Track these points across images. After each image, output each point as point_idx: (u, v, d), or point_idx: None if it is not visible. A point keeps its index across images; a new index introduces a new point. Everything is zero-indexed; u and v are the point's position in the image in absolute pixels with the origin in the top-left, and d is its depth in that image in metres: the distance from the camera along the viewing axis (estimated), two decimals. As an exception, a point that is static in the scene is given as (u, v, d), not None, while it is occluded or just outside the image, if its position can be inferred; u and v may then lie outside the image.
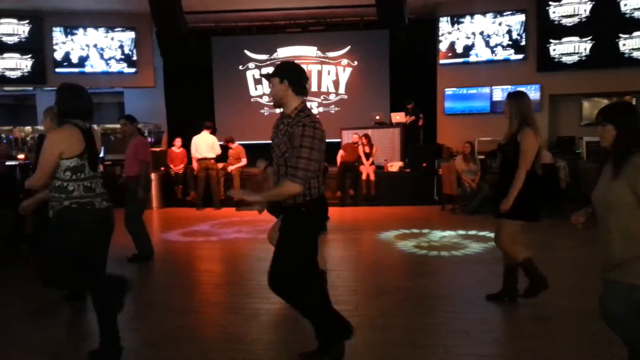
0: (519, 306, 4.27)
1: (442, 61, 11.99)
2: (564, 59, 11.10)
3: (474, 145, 9.43)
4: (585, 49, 10.94)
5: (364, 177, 10.20)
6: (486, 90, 11.76)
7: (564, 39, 11.04)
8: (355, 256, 6.48)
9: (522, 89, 11.21)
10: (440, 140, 11.82)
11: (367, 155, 10.29)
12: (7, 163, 9.91)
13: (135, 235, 5.94)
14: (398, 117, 11.35)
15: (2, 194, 6.39)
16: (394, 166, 10.59)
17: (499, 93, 11.66)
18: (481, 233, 7.30)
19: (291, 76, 2.98)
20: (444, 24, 11.84)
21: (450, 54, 11.88)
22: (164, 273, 5.90)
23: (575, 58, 11.02)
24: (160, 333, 3.88)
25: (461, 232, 7.49)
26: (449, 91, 11.90)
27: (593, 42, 10.87)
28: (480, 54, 11.67)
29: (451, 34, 11.81)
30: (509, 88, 11.52)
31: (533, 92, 11.40)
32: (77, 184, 3.08)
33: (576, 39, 10.96)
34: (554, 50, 11.15)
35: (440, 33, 11.88)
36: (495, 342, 3.65)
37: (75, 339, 3.86)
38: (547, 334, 3.67)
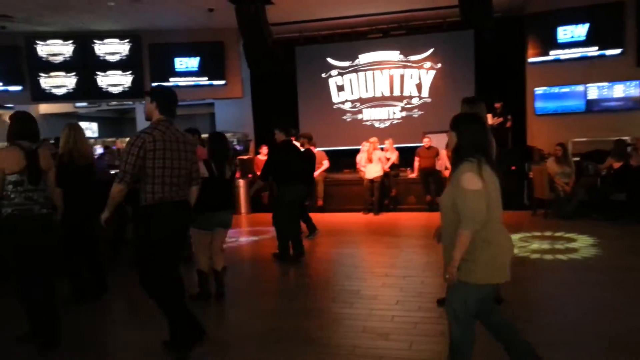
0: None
1: (531, 59, 11.48)
2: (667, 51, 10.25)
3: (567, 147, 8.94)
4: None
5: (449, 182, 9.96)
6: (580, 88, 11.10)
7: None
8: (439, 262, 6.35)
9: (620, 85, 10.68)
10: (530, 142, 11.31)
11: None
12: (112, 172, 10.73)
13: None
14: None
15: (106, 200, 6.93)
16: (481, 170, 10.26)
17: (595, 91, 10.97)
18: (576, 238, 6.92)
19: (159, 99, 3.53)
20: (532, 20, 11.33)
21: (539, 52, 11.35)
22: (253, 276, 6.13)
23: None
24: (248, 333, 4.05)
25: (553, 237, 7.14)
26: (539, 90, 11.36)
27: None
28: (573, 50, 11.04)
29: (540, 31, 11.28)
30: (606, 85, 10.86)
31: (633, 89, 10.64)
32: (18, 194, 3.75)
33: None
34: (655, 43, 10.33)
35: (528, 30, 11.39)
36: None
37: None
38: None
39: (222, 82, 12.91)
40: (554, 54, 11.20)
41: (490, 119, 10.91)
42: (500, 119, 10.95)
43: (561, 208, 8.60)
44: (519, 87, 11.63)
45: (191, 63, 12.94)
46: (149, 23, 12.15)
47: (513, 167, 9.96)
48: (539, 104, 11.42)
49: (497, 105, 11.02)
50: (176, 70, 12.91)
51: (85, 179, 4.71)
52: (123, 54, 12.85)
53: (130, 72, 12.87)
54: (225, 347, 3.86)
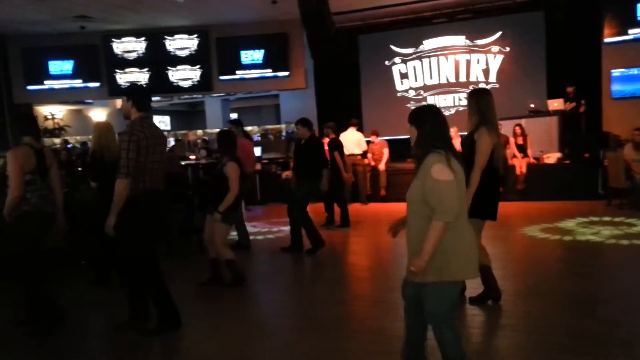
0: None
1: (607, 39, 10.84)
2: None
3: (645, 132, 8.37)
4: None
5: (517, 171, 9.66)
6: (663, 68, 10.38)
7: None
8: (503, 254, 6.20)
9: None
10: (605, 127, 10.71)
11: (521, 147, 9.72)
12: (182, 163, 11.19)
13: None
14: (556, 104, 10.51)
15: (177, 190, 7.28)
16: (551, 157, 9.84)
17: (680, 71, 10.22)
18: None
19: (134, 96, 3.77)
20: (610, -2, 10.70)
21: (617, 31, 10.68)
22: (314, 265, 6.25)
23: None
24: (307, 321, 4.16)
25: (629, 229, 6.76)
26: (616, 72, 10.72)
27: None
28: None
29: (617, 8, 10.59)
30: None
31: None
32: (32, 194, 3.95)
33: None
34: None
35: (605, 8, 10.74)
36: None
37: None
38: None
39: (286, 73, 13.10)
40: (633, 32, 10.51)
41: (562, 104, 10.45)
42: (574, 104, 10.45)
43: (638, 198, 8.10)
44: (594, 69, 11.01)
45: (256, 55, 13.20)
46: (215, 18, 12.51)
47: (586, 155, 9.48)
48: (615, 87, 10.78)
49: (570, 89, 10.52)
50: (242, 62, 13.22)
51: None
52: (192, 49, 13.32)
53: (199, 66, 13.32)
54: (280, 334, 4.00)
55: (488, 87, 12.48)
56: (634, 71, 10.57)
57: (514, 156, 9.78)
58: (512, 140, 9.81)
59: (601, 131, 10.57)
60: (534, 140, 9.98)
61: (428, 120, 2.66)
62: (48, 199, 4.05)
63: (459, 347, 2.66)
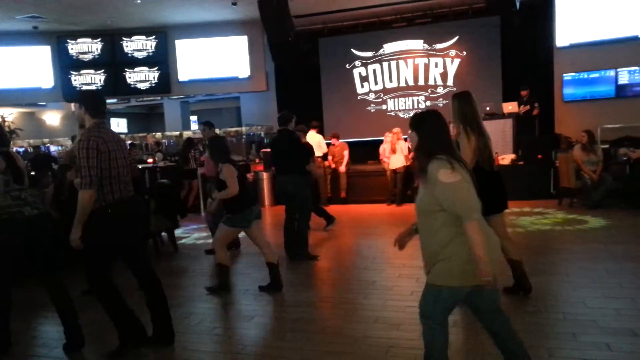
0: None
1: (559, 45, 11.22)
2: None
3: (593, 134, 8.68)
4: None
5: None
6: (611, 73, 10.81)
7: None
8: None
9: (653, 69, 10.32)
10: (558, 129, 11.07)
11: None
12: (139, 166, 10.99)
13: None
14: (510, 107, 10.79)
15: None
16: (506, 159, 10.11)
17: (626, 76, 10.67)
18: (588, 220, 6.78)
19: (87, 104, 3.61)
20: (560, 3, 11.06)
21: (568, 36, 11.08)
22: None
23: None
24: (262, 323, 4.15)
25: (578, 226, 7.02)
26: (567, 76, 11.11)
27: None
28: (603, 33, 10.73)
29: (569, 14, 10.99)
30: (638, 69, 10.54)
31: (668, 72, 10.29)
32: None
33: None
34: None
35: (556, 14, 11.12)
36: (605, 346, 3.41)
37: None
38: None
39: (247, 75, 13.02)
40: (583, 38, 10.92)
41: (516, 107, 10.73)
42: (527, 107, 10.73)
43: (588, 197, 8.40)
44: (547, 73, 11.38)
45: (216, 57, 13.08)
46: (174, 19, 12.34)
47: (539, 156, 9.77)
48: (567, 90, 11.17)
49: (524, 92, 10.82)
50: (201, 64, 13.08)
51: None
52: (150, 50, 13.10)
53: (157, 67, 13.10)
54: (242, 336, 3.98)
55: (445, 90, 12.78)
56: (584, 75, 10.97)
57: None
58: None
59: (553, 133, 10.92)
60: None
61: (427, 125, 2.62)
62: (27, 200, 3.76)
63: (444, 353, 2.64)
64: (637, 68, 10.51)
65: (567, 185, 8.79)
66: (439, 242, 2.53)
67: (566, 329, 3.68)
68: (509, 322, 2.74)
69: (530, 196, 9.41)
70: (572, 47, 11.07)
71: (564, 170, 8.83)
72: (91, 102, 3.64)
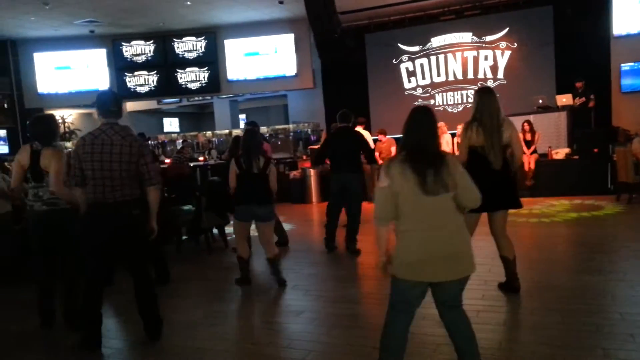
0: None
1: (616, 33, 10.76)
2: None
3: (655, 126, 8.30)
4: None
5: (525, 167, 9.62)
6: (674, 61, 10.28)
7: None
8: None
9: None
10: (615, 122, 10.62)
11: (528, 143, 9.68)
12: (190, 164, 11.27)
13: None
14: (564, 99, 10.45)
15: (186, 191, 7.35)
16: (560, 153, 9.78)
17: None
18: None
19: (96, 104, 3.71)
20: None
21: (626, 24, 10.59)
22: (326, 263, 6.27)
23: None
24: (307, 317, 4.20)
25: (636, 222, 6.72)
26: (625, 66, 10.63)
27: None
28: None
29: (626, 2, 10.51)
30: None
31: None
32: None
33: None
34: None
35: (613, 2, 10.65)
36: (665, 348, 3.26)
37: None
38: None
39: (294, 73, 13.14)
40: (642, 26, 10.44)
41: (571, 100, 10.38)
42: (583, 99, 10.38)
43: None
44: (603, 63, 10.92)
45: (264, 56, 13.26)
46: (223, 19, 12.60)
47: (595, 150, 9.40)
48: (625, 81, 10.70)
49: (578, 84, 10.46)
50: (250, 63, 13.29)
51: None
52: (200, 51, 13.42)
53: (206, 67, 13.41)
54: (290, 331, 4.04)
55: (496, 83, 12.47)
56: (644, 65, 10.49)
57: (523, 152, 9.72)
58: (520, 136, 9.75)
59: (610, 126, 10.48)
60: (543, 136, 9.91)
61: (407, 122, 2.73)
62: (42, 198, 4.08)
63: (386, 339, 2.84)
64: (702, 56, 9.95)
65: (625, 179, 8.43)
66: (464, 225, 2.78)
67: (624, 329, 3.55)
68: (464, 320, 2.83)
69: (586, 191, 9.09)
70: (630, 36, 10.58)
71: (622, 164, 8.46)
72: (99, 104, 3.72)
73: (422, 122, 2.69)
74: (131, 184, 3.63)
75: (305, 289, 5.04)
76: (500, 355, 3.29)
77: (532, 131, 9.77)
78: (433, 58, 13.07)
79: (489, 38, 12.52)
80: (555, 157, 9.83)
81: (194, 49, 13.47)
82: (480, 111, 4.11)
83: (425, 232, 2.63)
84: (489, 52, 12.57)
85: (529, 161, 9.61)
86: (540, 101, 10.74)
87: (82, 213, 3.70)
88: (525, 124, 9.80)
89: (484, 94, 4.19)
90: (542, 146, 9.92)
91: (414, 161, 2.60)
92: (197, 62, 13.43)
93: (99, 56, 13.47)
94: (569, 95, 10.42)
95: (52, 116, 4.51)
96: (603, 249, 5.88)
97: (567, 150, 9.84)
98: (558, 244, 6.37)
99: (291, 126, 15.00)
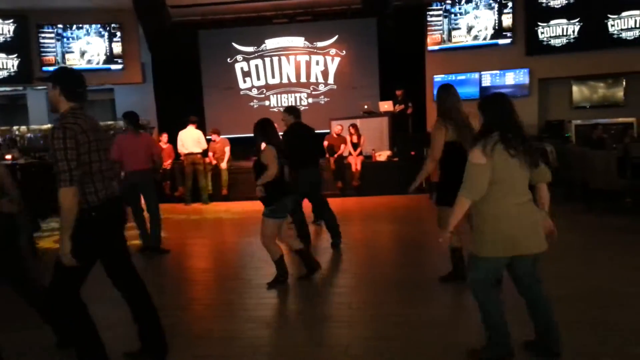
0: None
1: (430, 47, 11.88)
2: (553, 41, 10.99)
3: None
4: (573, 31, 10.83)
5: (352, 168, 10.16)
6: (475, 76, 11.67)
7: (552, 22, 10.93)
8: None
9: (510, 73, 11.33)
10: (429, 128, 11.72)
11: (355, 146, 10.24)
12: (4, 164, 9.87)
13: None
14: (386, 105, 11.27)
15: None
16: (382, 155, 10.53)
17: (489, 78, 11.58)
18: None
19: (63, 83, 2.94)
20: (432, 9, 11.72)
21: (438, 40, 11.78)
22: (156, 270, 5.89)
23: (564, 40, 10.91)
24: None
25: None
26: (437, 78, 11.79)
27: (581, 23, 10.74)
28: (468, 39, 11.56)
29: (439, 20, 11.69)
30: (498, 73, 11.48)
31: (522, 76, 11.33)
32: None
33: (564, 21, 10.84)
34: (542, 33, 11.04)
35: (428, 19, 11.76)
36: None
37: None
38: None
39: (120, 66, 12.27)
40: (452, 42, 11.68)
41: (392, 106, 11.21)
42: (402, 106, 11.25)
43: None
44: (419, 74, 12.00)
45: (84, 45, 12.19)
46: (35, 2, 11.26)
47: (412, 153, 10.28)
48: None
49: (399, 92, 11.33)
50: (67, 52, 12.12)
51: None
52: (7, 36, 11.86)
53: (16, 55, 11.89)
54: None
55: (326, 88, 13.03)
56: (452, 77, 11.72)
57: (350, 154, 10.27)
58: (348, 139, 10.28)
59: (426, 131, 11.54)
60: (367, 139, 10.55)
61: (490, 108, 2.94)
62: None
63: (492, 316, 2.96)
64: (497, 71, 11.44)
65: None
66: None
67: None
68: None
69: (405, 191, 9.83)
70: (441, 50, 11.78)
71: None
72: (69, 83, 2.96)
73: (508, 104, 2.91)
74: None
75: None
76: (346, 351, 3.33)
77: (358, 134, 10.34)
78: (267, 60, 13.20)
79: (320, 44, 13.01)
80: (379, 159, 10.54)
81: (1, 32, 11.85)
82: (449, 108, 4.25)
83: (519, 206, 2.85)
84: (320, 58, 13.06)
85: (355, 162, 10.16)
86: (366, 107, 11.44)
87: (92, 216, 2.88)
88: (351, 127, 10.35)
89: (449, 90, 4.35)
90: (367, 149, 10.56)
91: (509, 139, 2.80)
92: (4, 48, 11.83)
93: None
94: (390, 102, 11.26)
95: None
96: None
97: (388, 152, 10.61)
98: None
99: (120, 122, 14.01)
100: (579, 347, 3.15)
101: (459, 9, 11.54)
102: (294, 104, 13.13)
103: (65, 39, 12.12)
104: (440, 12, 11.68)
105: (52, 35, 12.04)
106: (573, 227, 6.48)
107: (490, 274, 2.95)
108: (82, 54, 12.19)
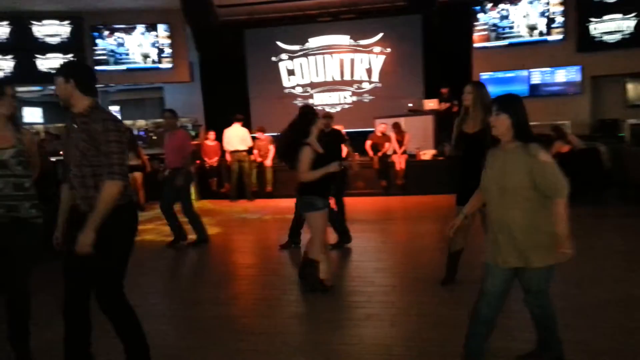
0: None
1: (477, 44, 11.66)
2: (605, 37, 10.59)
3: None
4: (628, 27, 10.40)
5: (397, 167, 10.11)
6: (524, 73, 11.39)
7: (605, 17, 10.54)
8: (377, 247, 6.43)
9: (561, 70, 10.99)
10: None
11: (400, 143, 10.19)
12: (52, 159, 10.32)
13: (192, 222, 6.50)
14: (431, 104, 11.14)
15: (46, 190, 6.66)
16: (427, 154, 10.41)
17: (538, 76, 11.28)
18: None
19: (78, 76, 2.79)
20: (479, 5, 11.50)
21: (485, 37, 11.55)
22: (199, 264, 6.05)
23: (618, 36, 10.51)
24: (194, 323, 3.99)
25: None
26: (484, 75, 11.56)
27: (638, 19, 10.31)
28: (518, 35, 11.29)
29: (486, 16, 11.47)
30: (548, 70, 11.17)
31: (574, 74, 10.98)
32: None
33: (619, 16, 10.43)
34: (595, 29, 10.65)
35: (475, 15, 11.55)
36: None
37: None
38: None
39: (169, 65, 12.61)
40: (499, 40, 11.43)
41: (437, 104, 11.07)
42: (447, 104, 11.10)
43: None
44: (465, 72, 11.78)
45: (135, 46, 12.57)
46: (89, 4, 11.70)
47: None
48: (484, 89, 11.62)
49: (444, 90, 11.18)
50: (120, 52, 12.53)
51: None
52: (63, 36, 12.37)
53: (71, 55, 12.40)
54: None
55: (371, 86, 13.00)
56: (500, 74, 11.48)
57: (394, 152, 10.21)
58: (393, 137, 10.22)
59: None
60: (412, 137, 10.46)
61: (521, 108, 2.70)
62: None
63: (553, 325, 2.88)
64: (548, 69, 11.12)
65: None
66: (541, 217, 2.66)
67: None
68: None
69: (449, 190, 9.70)
70: (489, 47, 11.54)
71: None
72: (84, 76, 2.83)
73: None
74: None
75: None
76: (364, 348, 3.35)
77: (401, 133, 10.27)
78: (312, 58, 13.27)
79: (364, 42, 12.98)
80: (423, 157, 10.44)
81: (57, 33, 12.37)
82: (488, 104, 3.99)
83: None
84: (365, 56, 13.03)
85: (399, 161, 10.09)
86: (410, 105, 11.35)
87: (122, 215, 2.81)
88: (394, 126, 10.29)
89: (482, 86, 4.30)
90: (411, 147, 10.47)
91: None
92: (61, 48, 12.35)
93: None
94: (435, 100, 11.13)
95: None
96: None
97: (433, 151, 10.49)
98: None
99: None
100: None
101: (507, 5, 11.27)
102: (338, 101, 13.17)
103: (116, 39, 12.53)
104: (487, 8, 11.44)
105: (105, 35, 12.47)
106: (625, 231, 6.25)
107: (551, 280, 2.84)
108: (133, 53, 12.57)
